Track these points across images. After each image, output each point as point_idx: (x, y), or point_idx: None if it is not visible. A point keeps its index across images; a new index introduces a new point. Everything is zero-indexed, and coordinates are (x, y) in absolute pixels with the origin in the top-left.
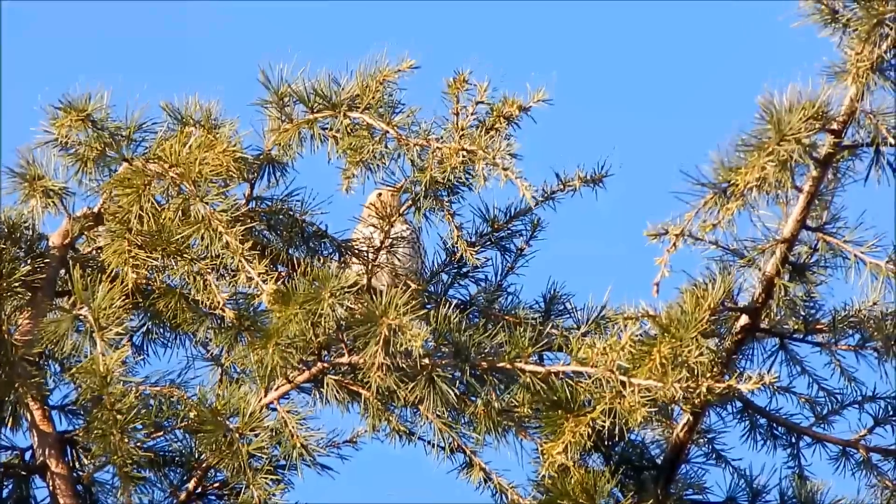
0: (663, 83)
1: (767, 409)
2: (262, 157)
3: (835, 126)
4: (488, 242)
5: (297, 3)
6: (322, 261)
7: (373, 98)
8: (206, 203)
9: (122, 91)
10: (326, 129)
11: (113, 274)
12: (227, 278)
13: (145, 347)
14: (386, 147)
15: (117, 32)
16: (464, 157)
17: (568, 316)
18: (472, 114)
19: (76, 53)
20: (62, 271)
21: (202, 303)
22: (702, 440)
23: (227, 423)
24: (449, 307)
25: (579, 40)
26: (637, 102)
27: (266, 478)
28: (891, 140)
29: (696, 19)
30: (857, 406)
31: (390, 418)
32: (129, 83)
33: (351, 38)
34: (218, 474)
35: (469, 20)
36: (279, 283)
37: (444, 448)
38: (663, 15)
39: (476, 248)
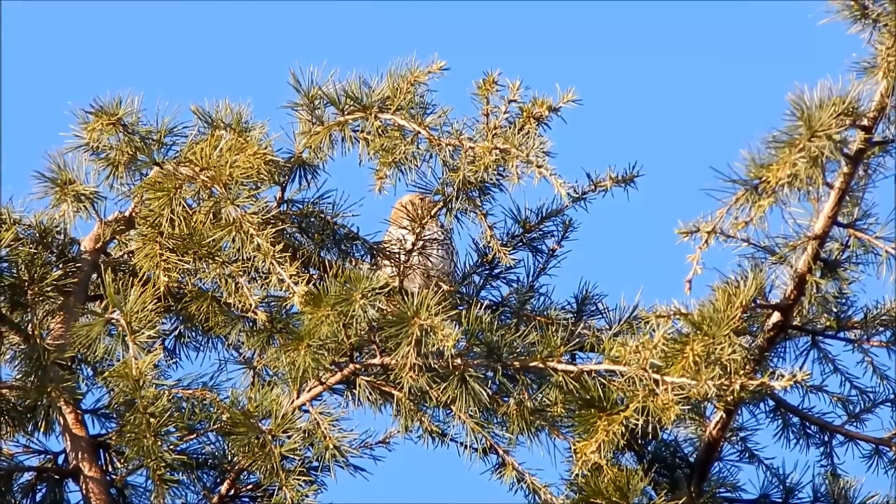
0: (691, 84)
1: (800, 407)
2: (292, 159)
3: (865, 122)
4: (520, 243)
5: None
6: (354, 263)
7: (404, 99)
8: (237, 206)
9: (152, 95)
10: (357, 131)
11: (145, 277)
12: (259, 281)
13: (177, 351)
14: (418, 148)
15: (144, 35)
16: (497, 155)
17: (600, 316)
18: (504, 112)
19: (97, 58)
20: (94, 275)
21: (234, 305)
22: (735, 438)
23: (260, 425)
24: (481, 308)
25: (603, 41)
26: (664, 104)
27: (299, 479)
28: None
29: (724, 19)
30: (889, 404)
31: (423, 419)
32: (159, 87)
33: (368, 43)
34: (251, 476)
35: (487, 23)
36: (311, 284)
37: (476, 448)
38: (691, 14)
39: (508, 249)
